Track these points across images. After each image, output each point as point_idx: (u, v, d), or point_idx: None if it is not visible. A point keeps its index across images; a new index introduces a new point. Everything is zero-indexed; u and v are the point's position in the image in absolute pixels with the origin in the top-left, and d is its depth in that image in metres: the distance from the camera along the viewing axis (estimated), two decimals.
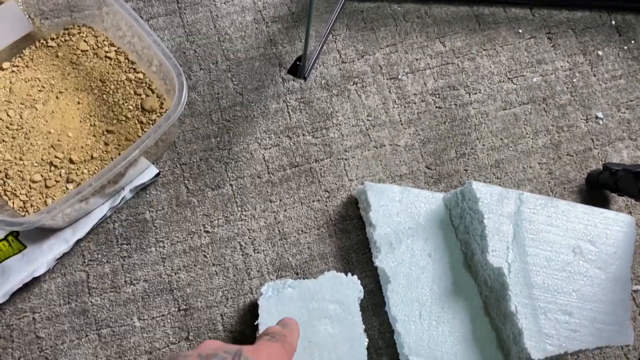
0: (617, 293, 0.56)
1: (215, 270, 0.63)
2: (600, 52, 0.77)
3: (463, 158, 0.70)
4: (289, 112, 0.70)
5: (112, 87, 0.65)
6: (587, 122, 0.73)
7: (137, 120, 0.64)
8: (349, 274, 0.58)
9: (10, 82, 0.64)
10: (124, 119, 0.64)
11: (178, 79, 0.57)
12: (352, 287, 0.57)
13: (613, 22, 0.78)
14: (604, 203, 0.70)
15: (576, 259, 0.57)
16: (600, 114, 0.74)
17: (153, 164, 0.65)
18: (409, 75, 0.73)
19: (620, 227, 0.59)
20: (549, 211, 0.58)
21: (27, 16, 0.66)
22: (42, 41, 0.66)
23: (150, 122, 0.64)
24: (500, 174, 0.70)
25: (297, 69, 0.57)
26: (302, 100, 0.71)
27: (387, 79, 0.73)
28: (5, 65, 0.65)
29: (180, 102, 0.56)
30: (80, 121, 0.63)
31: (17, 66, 0.65)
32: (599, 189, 0.70)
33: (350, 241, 0.65)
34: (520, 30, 0.76)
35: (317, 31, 0.71)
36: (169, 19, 0.71)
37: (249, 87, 0.70)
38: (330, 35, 0.73)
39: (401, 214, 0.61)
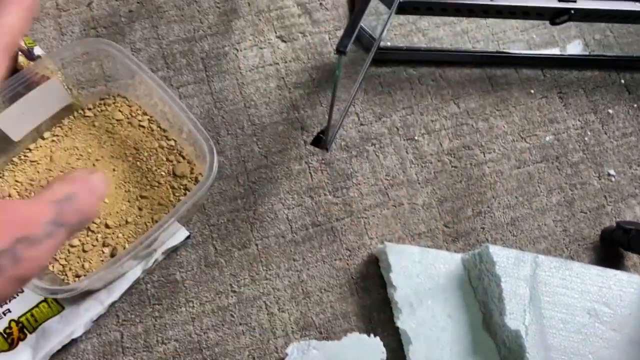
0: (632, 355, 0.58)
1: (242, 330, 0.66)
2: (610, 111, 0.79)
3: (480, 216, 0.73)
4: (310, 173, 0.74)
5: (146, 154, 0.69)
6: (599, 180, 0.76)
7: (169, 185, 0.68)
8: (372, 335, 0.60)
9: (51, 151, 0.68)
10: (156, 184, 0.68)
11: (209, 152, 0.61)
12: (375, 348, 0.59)
13: (622, 81, 0.81)
14: (618, 260, 0.72)
15: (592, 321, 0.59)
16: (612, 171, 0.76)
17: (184, 226, 0.68)
18: (425, 136, 0.76)
19: (634, 289, 0.61)
20: (563, 274, 0.61)
21: (66, 88, 0.71)
22: (80, 111, 0.71)
23: (181, 187, 0.68)
24: (516, 231, 0.72)
25: (320, 141, 0.61)
26: (323, 161, 0.74)
27: (404, 140, 0.76)
28: (46, 135, 0.69)
29: (212, 172, 0.60)
30: (116, 187, 0.67)
31: (57, 135, 0.69)
32: (613, 246, 0.72)
33: (372, 300, 0.68)
34: (532, 91, 0.80)
35: (337, 97, 0.75)
36: (197, 86, 0.76)
37: (273, 150, 0.74)
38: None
39: (421, 275, 0.64)
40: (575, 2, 0.69)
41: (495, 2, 0.68)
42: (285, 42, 0.80)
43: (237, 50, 0.78)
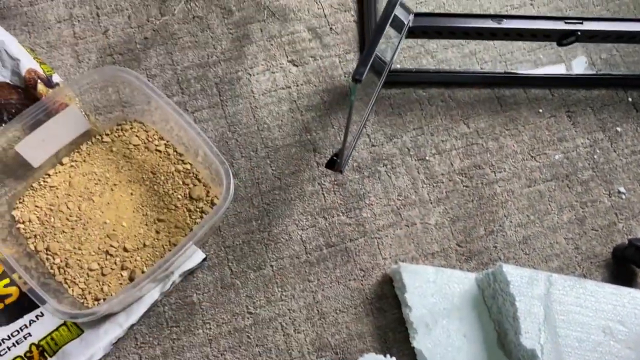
0: None
1: (259, 351, 0.66)
2: (619, 128, 0.80)
3: (492, 235, 0.74)
4: (323, 194, 0.75)
5: (162, 178, 0.70)
6: (610, 197, 0.76)
7: (186, 208, 0.69)
8: (388, 356, 0.61)
9: (70, 177, 0.70)
10: (173, 207, 0.69)
11: (226, 175, 0.63)
12: None
13: (630, 99, 0.82)
14: (631, 277, 0.72)
15: (607, 340, 0.59)
16: (622, 189, 0.77)
17: (200, 248, 0.69)
18: (436, 156, 0.77)
19: None
20: (577, 292, 0.61)
21: (84, 114, 0.73)
22: (97, 137, 0.73)
23: (198, 209, 0.69)
24: (528, 250, 0.73)
25: (334, 164, 0.62)
26: (335, 182, 0.75)
27: (415, 160, 0.77)
28: (65, 160, 0.71)
29: (229, 195, 0.61)
30: (133, 211, 0.69)
31: (76, 161, 0.71)
32: (626, 263, 0.72)
33: (387, 320, 0.68)
34: (541, 110, 0.81)
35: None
36: (212, 111, 0.77)
37: (286, 172, 0.75)
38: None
39: (436, 295, 0.65)
40: (581, 23, 0.70)
41: (503, 25, 0.69)
42: (296, 66, 0.81)
43: (250, 74, 0.80)
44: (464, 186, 0.76)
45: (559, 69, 0.83)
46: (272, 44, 0.82)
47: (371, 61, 0.45)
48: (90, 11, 0.82)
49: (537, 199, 0.76)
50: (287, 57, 0.82)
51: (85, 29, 0.81)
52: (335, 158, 0.62)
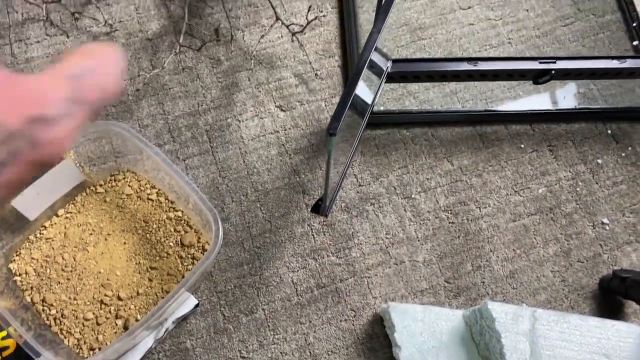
0: None
1: None
2: (599, 161, 0.82)
3: (479, 270, 0.75)
4: (313, 235, 0.76)
5: (155, 226, 0.72)
6: (594, 229, 0.78)
7: (178, 255, 0.71)
8: None
9: (65, 228, 0.72)
10: (165, 255, 0.71)
11: (214, 221, 0.64)
12: None
13: (609, 131, 0.84)
14: (618, 308, 0.73)
15: None
16: (606, 220, 0.78)
17: (193, 294, 0.71)
18: (422, 194, 0.79)
19: (632, 339, 0.62)
20: (562, 327, 0.62)
21: (78, 165, 0.75)
22: (91, 188, 0.75)
23: (189, 256, 0.71)
24: (516, 284, 0.74)
25: (320, 208, 0.64)
26: (325, 223, 0.77)
27: (401, 199, 0.79)
28: (60, 212, 0.73)
29: (218, 241, 0.63)
30: (127, 260, 0.70)
31: (71, 212, 0.73)
32: (612, 295, 0.73)
33: None
34: (522, 145, 0.83)
35: (335, 160, 0.79)
36: (203, 157, 0.80)
37: (276, 215, 0.77)
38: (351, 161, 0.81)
39: (424, 334, 0.66)
40: (555, 62, 0.73)
41: (479, 67, 0.72)
42: (284, 111, 0.84)
43: (239, 121, 0.83)
44: (450, 223, 0.78)
45: (539, 107, 0.85)
46: (260, 91, 0.85)
47: (345, 114, 0.48)
48: None
49: (522, 233, 0.77)
50: (274, 102, 0.84)
51: None
52: (320, 202, 0.64)
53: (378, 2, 0.67)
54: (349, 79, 0.50)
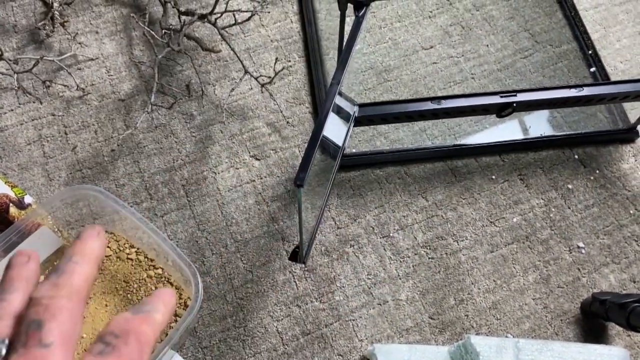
0: None
1: None
2: (570, 186, 0.84)
3: (462, 304, 0.76)
4: (295, 282, 0.77)
5: (135, 285, 0.72)
6: (570, 253, 0.79)
7: None
8: None
9: None
10: None
11: (193, 276, 0.65)
12: None
13: (576, 156, 0.87)
14: (602, 330, 0.74)
15: None
16: (581, 244, 0.80)
17: (177, 352, 0.70)
18: (400, 231, 0.80)
19: None
20: (545, 355, 0.62)
21: (57, 230, 0.75)
22: None
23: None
24: (499, 315, 0.75)
25: (297, 256, 0.65)
26: (306, 269, 0.77)
27: (380, 238, 0.80)
28: (40, 279, 0.72)
29: (198, 296, 0.63)
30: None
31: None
32: (594, 318, 0.74)
33: None
34: (494, 176, 0.85)
35: (312, 204, 0.80)
36: (180, 212, 0.81)
37: (257, 264, 0.78)
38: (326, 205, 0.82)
39: None
40: (515, 95, 0.76)
41: (443, 105, 0.74)
42: (259, 159, 0.85)
43: (215, 173, 0.84)
44: (429, 258, 0.79)
45: (507, 137, 0.87)
46: (234, 142, 0.86)
47: (310, 168, 0.49)
48: (59, 130, 0.86)
49: (501, 263, 0.78)
50: (249, 152, 0.86)
51: (55, 148, 0.85)
52: (297, 250, 0.65)
53: (338, 53, 0.70)
54: (312, 134, 0.52)
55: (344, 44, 0.60)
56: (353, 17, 0.64)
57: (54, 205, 0.70)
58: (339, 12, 0.70)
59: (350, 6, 0.61)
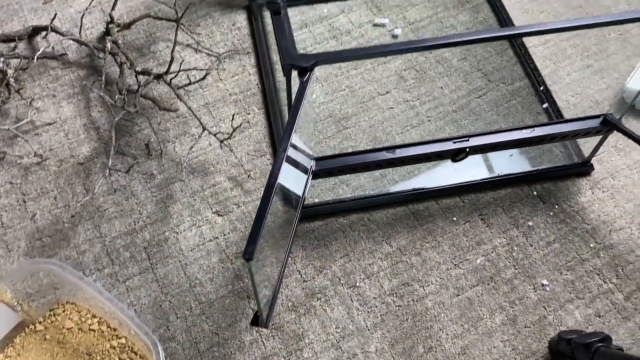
0: None
1: None
2: (530, 223, 0.85)
3: (431, 352, 0.75)
4: (263, 342, 0.76)
5: (99, 358, 0.71)
6: (535, 291, 0.80)
7: None
8: None
9: None
10: None
11: (153, 346, 0.64)
12: None
13: (535, 193, 0.88)
14: None
15: None
16: (545, 281, 0.80)
17: None
18: (366, 280, 0.80)
19: None
20: None
21: (16, 303, 0.74)
22: (31, 326, 0.73)
23: None
24: None
25: (258, 320, 0.64)
26: (273, 326, 0.77)
27: (347, 289, 0.80)
28: (0, 357, 0.71)
29: None
30: None
31: (10, 356, 0.71)
32: (562, 357, 0.74)
33: None
34: (455, 218, 0.86)
35: (277, 258, 0.79)
36: (143, 277, 0.80)
37: (223, 325, 0.77)
38: (289, 258, 0.81)
39: None
40: (468, 140, 0.77)
41: (397, 154, 0.75)
42: (221, 215, 0.85)
43: (177, 232, 0.83)
44: (396, 306, 0.78)
45: (465, 179, 0.88)
46: (195, 199, 0.86)
47: (258, 241, 0.49)
48: (17, 199, 0.85)
49: (467, 306, 0.79)
50: (211, 209, 0.86)
51: (13, 218, 0.83)
52: (258, 314, 0.64)
53: (289, 116, 0.70)
54: (257, 213, 0.52)
55: (291, 110, 0.61)
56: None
57: (13, 279, 0.69)
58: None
59: (294, 72, 0.62)
